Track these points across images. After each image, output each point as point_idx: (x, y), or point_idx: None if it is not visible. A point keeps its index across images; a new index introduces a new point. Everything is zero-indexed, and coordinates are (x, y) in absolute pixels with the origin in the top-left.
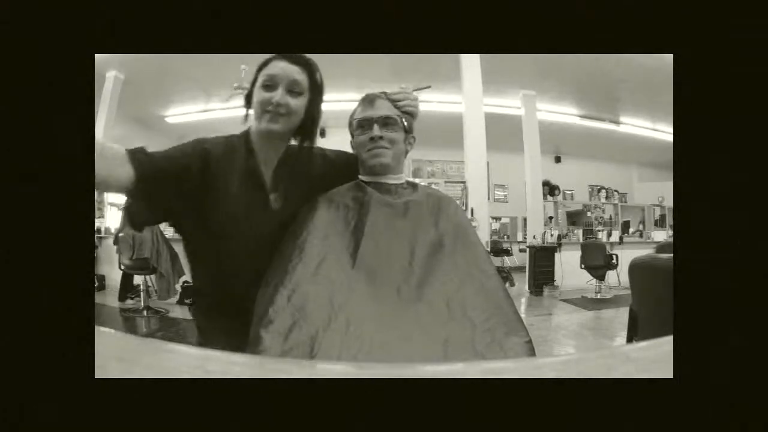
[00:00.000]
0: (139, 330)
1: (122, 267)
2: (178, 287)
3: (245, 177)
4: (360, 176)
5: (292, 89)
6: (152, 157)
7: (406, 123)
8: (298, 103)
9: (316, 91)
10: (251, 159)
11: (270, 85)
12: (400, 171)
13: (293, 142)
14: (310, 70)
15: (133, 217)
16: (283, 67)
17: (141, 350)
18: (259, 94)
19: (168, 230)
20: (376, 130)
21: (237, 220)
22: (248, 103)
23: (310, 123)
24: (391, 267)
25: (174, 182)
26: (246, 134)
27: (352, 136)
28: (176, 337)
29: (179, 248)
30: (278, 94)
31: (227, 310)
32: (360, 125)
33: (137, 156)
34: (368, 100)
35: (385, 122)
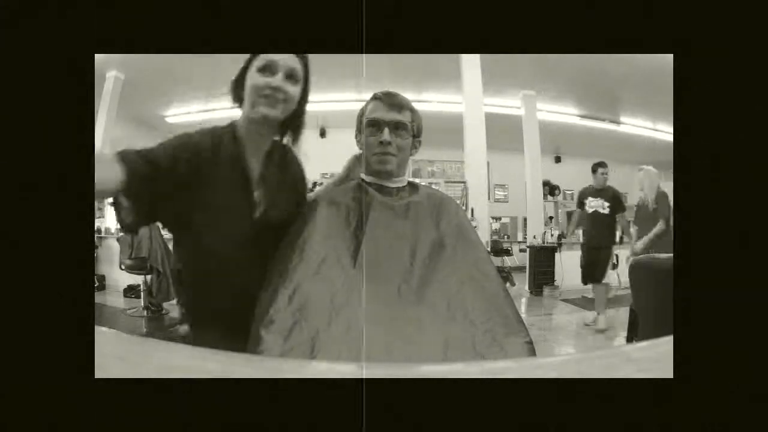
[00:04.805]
0: (139, 330)
1: (123, 267)
2: None
3: (231, 167)
4: (362, 175)
5: (291, 75)
6: (140, 154)
7: (415, 128)
8: (295, 90)
9: (308, 83)
10: (237, 148)
11: (268, 70)
12: (402, 174)
13: (276, 138)
14: (305, 61)
15: (124, 218)
16: (280, 55)
17: (141, 350)
18: (254, 78)
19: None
20: (386, 135)
21: (220, 215)
22: (236, 90)
23: (299, 115)
24: (392, 267)
25: (164, 176)
26: (232, 125)
27: (359, 131)
28: (176, 337)
29: None
30: (277, 79)
31: (212, 312)
32: (370, 125)
33: (126, 156)
34: (382, 101)
35: (396, 127)
